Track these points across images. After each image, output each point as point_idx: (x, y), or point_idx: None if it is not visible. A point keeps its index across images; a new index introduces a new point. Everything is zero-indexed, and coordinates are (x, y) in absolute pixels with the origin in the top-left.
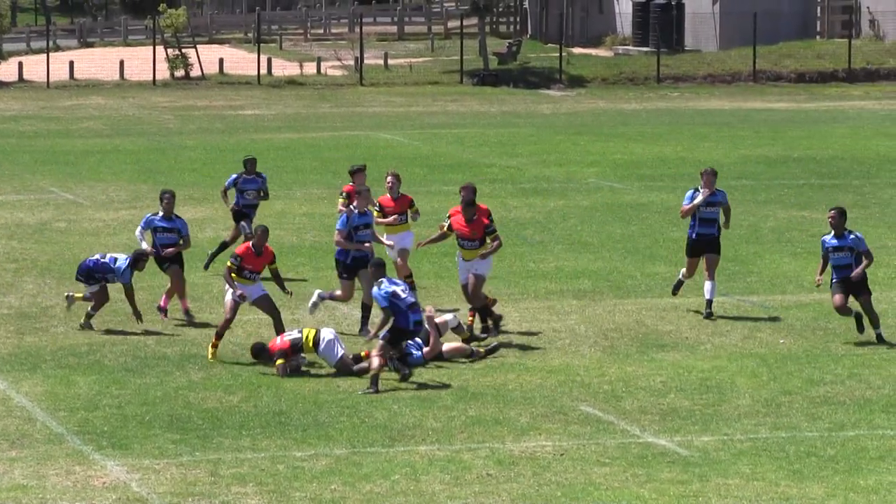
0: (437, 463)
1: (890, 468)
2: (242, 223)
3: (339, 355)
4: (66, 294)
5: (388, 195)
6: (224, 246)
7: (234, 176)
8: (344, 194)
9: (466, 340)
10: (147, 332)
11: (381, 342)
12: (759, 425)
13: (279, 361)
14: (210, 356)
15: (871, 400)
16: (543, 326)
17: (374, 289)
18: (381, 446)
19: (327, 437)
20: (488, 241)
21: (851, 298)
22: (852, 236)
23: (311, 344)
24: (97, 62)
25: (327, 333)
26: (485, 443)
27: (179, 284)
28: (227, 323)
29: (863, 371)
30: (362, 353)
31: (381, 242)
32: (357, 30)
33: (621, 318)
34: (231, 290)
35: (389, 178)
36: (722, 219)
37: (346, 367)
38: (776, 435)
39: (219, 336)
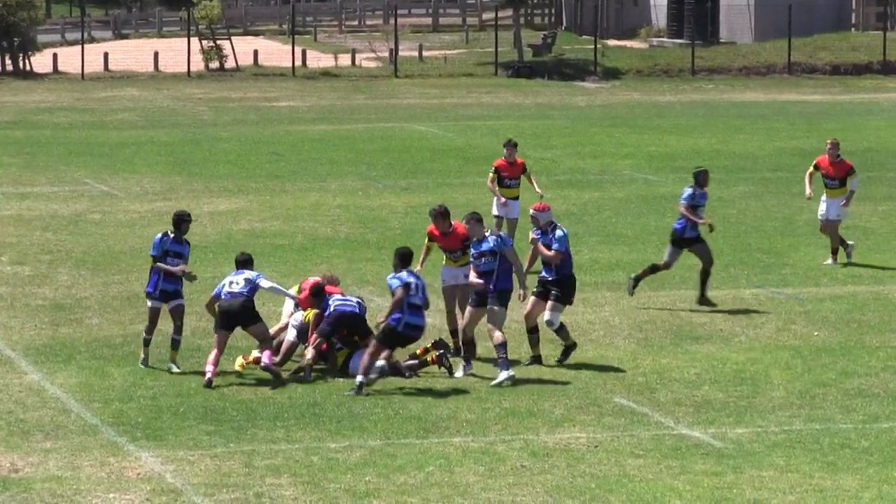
0: (471, 454)
1: None
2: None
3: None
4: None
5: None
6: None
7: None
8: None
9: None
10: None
11: (374, 341)
12: (794, 417)
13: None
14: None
15: None
16: (578, 318)
17: (391, 276)
18: (415, 437)
19: (361, 428)
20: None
21: None
22: None
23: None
24: (132, 54)
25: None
26: (519, 434)
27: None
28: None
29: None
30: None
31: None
32: (392, 21)
33: (655, 311)
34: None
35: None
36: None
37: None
38: (810, 427)
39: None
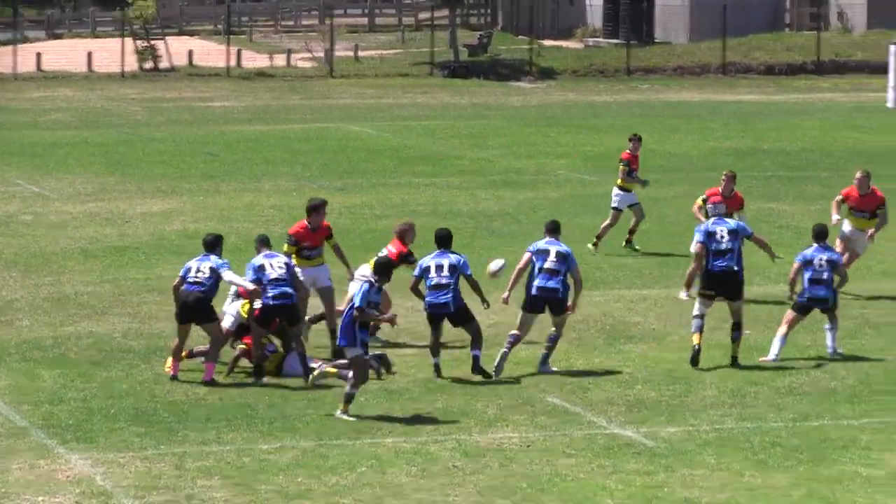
0: (403, 455)
1: (853, 458)
2: None
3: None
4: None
5: None
6: None
7: None
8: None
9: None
10: (113, 326)
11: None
12: (725, 416)
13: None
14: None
15: (836, 391)
16: (511, 318)
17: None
18: (347, 439)
19: (293, 429)
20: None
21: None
22: None
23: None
24: (65, 54)
25: None
26: (451, 434)
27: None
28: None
29: (828, 362)
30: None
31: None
32: (327, 21)
33: (589, 310)
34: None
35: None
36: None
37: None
38: (741, 425)
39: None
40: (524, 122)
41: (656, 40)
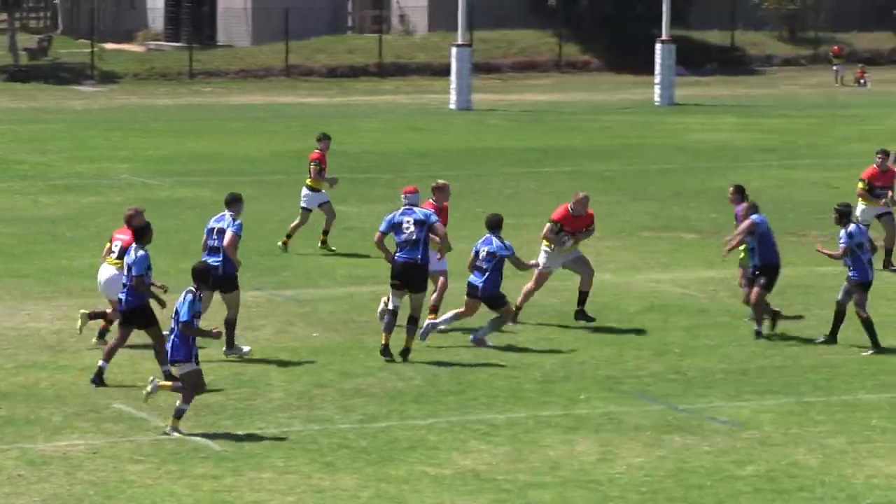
0: None
1: (421, 458)
2: None
3: None
4: None
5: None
6: None
7: None
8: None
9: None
10: None
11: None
12: (293, 418)
13: None
14: None
15: (403, 391)
16: (78, 324)
17: None
18: None
19: None
20: None
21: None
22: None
23: None
24: None
25: None
26: (16, 443)
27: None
28: None
29: (395, 363)
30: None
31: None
32: None
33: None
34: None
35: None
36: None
37: None
38: (309, 428)
39: None
40: (86, 125)
41: (219, 43)
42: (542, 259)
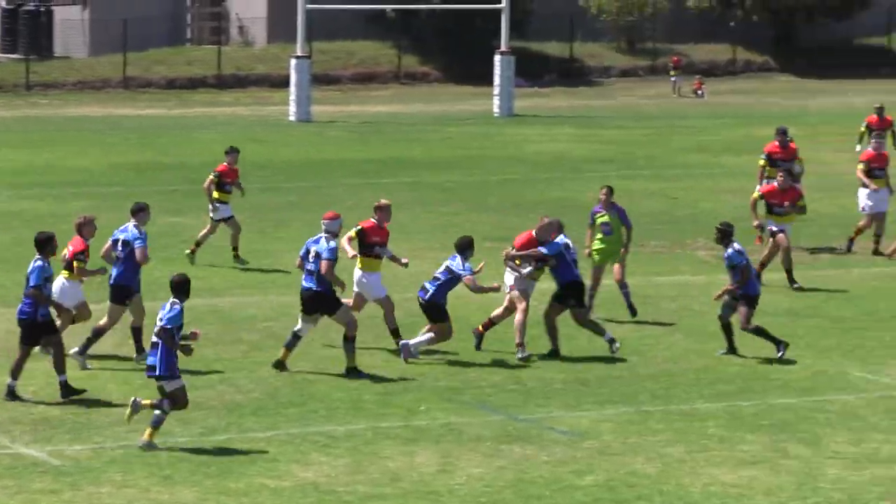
0: None
1: (260, 470)
2: None
3: None
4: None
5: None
6: None
7: None
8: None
9: None
10: None
11: None
12: (131, 432)
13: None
14: None
15: (242, 404)
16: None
17: None
18: None
19: None
20: None
21: None
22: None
23: None
24: None
25: None
26: None
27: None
28: None
29: (234, 375)
30: None
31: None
32: None
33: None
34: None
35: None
36: None
37: None
38: None
39: None
40: None
41: (56, 55)
42: (508, 279)
